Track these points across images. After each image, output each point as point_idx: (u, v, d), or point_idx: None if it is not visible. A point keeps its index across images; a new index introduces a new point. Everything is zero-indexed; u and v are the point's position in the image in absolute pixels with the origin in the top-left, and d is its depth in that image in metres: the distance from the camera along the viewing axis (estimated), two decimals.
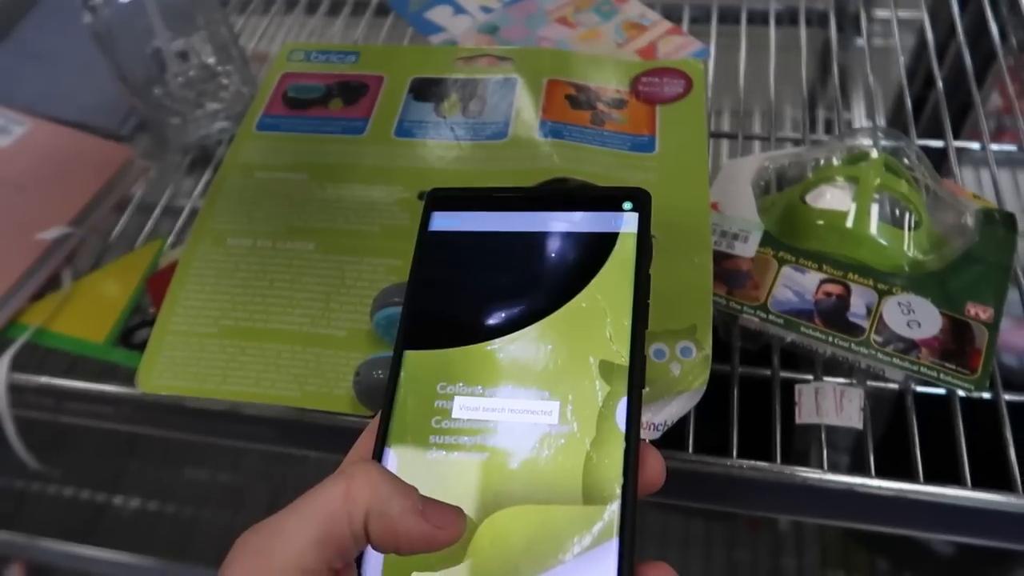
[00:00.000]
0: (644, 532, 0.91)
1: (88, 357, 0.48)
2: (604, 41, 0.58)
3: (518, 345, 0.27)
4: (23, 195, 0.53)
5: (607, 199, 0.29)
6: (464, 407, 0.26)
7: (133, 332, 0.47)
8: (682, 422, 0.40)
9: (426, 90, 0.46)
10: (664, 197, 0.40)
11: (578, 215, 0.29)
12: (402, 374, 0.27)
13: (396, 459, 0.26)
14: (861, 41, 0.79)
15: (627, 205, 0.29)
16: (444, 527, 0.24)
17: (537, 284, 0.28)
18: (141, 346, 0.46)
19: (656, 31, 0.60)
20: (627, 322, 0.27)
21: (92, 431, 0.97)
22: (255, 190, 0.42)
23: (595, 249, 0.28)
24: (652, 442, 0.37)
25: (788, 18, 0.66)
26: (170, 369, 0.36)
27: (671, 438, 0.40)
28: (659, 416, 0.34)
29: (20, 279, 0.49)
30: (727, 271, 0.42)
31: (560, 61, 0.47)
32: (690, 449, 0.40)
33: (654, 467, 0.26)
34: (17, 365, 0.47)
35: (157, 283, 0.48)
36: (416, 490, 0.23)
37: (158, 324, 0.38)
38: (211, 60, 0.55)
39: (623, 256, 0.28)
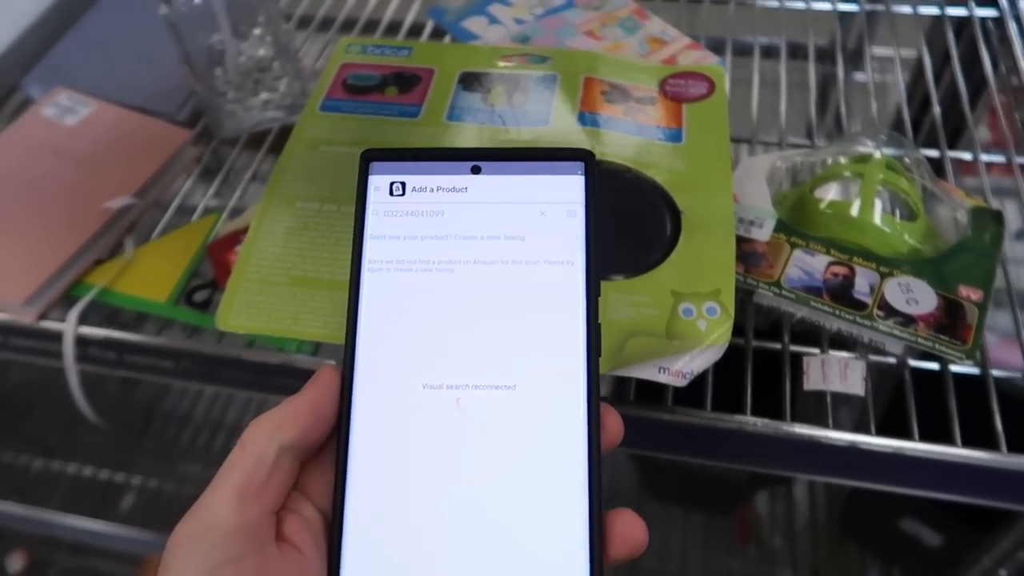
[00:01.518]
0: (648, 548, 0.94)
1: (149, 317, 0.52)
2: (628, 53, 0.63)
3: (474, 311, 0.28)
4: (88, 170, 0.57)
5: (553, 158, 0.30)
6: (426, 373, 0.28)
7: (194, 292, 0.51)
8: (701, 383, 0.45)
9: (473, 82, 0.51)
10: (691, 180, 0.45)
11: (524, 177, 0.30)
12: (359, 342, 0.28)
13: (358, 424, 0.28)
14: (862, 76, 0.85)
15: (573, 166, 0.29)
16: (320, 375, 0.28)
17: (486, 249, 0.29)
18: (202, 305, 0.50)
19: (676, 46, 0.65)
20: (581, 284, 0.28)
21: (109, 413, 1.00)
22: (320, 161, 0.46)
23: (543, 210, 0.29)
24: (677, 389, 0.41)
25: (790, 52, 0.71)
26: (246, 311, 0.40)
27: (690, 399, 0.44)
28: (687, 367, 0.38)
29: (86, 243, 0.53)
30: (744, 252, 0.47)
31: (595, 62, 0.52)
32: (708, 408, 0.44)
33: (613, 426, 0.28)
34: (82, 322, 0.50)
35: (217, 249, 0.52)
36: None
37: (234, 272, 0.41)
38: (268, 54, 0.60)
39: (572, 217, 0.29)
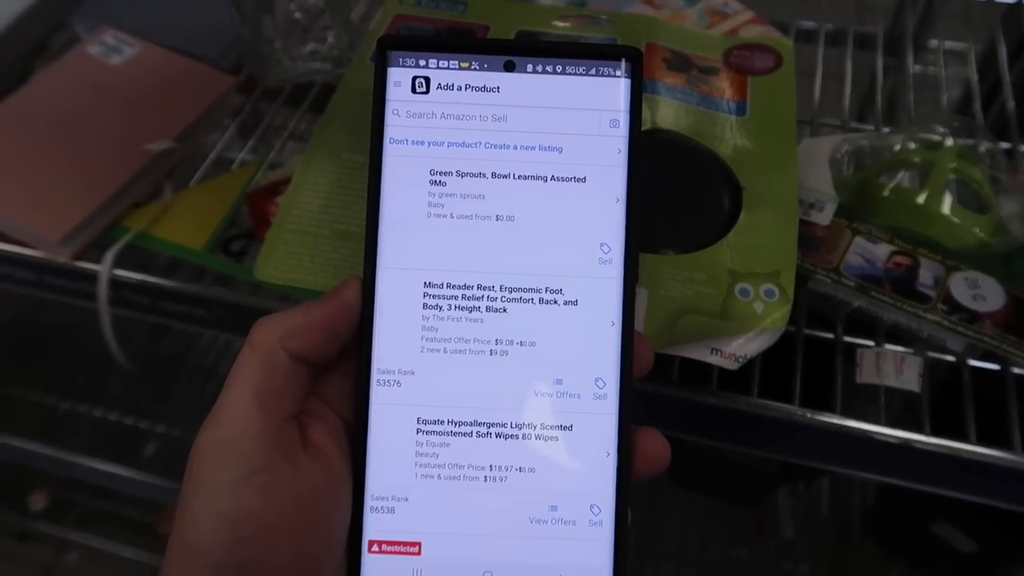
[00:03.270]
0: (664, 534, 0.93)
1: (180, 267, 0.51)
2: (687, 25, 0.61)
3: (505, 226, 0.27)
4: (130, 110, 0.56)
5: (596, 56, 0.27)
6: (452, 288, 0.27)
7: (231, 241, 0.50)
8: (748, 369, 0.43)
9: None
10: (754, 155, 0.43)
11: (563, 77, 0.27)
12: (381, 253, 0.27)
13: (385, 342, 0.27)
14: (919, 67, 0.81)
15: (617, 66, 0.27)
16: (343, 288, 0.26)
17: (520, 161, 0.27)
18: (238, 254, 0.49)
19: (738, 19, 0.62)
20: (622, 202, 0.27)
21: (137, 362, 1.00)
22: (369, 113, 0.44)
23: (583, 117, 0.27)
24: (722, 374, 0.40)
25: (832, 40, 0.68)
26: (285, 262, 0.39)
27: (736, 384, 0.42)
28: (741, 350, 0.37)
29: (125, 185, 0.52)
30: (802, 236, 0.45)
31: (656, 27, 0.50)
32: (755, 394, 0.42)
33: (644, 353, 0.27)
34: (117, 266, 0.49)
35: (256, 199, 0.51)
36: (307, 303, 0.26)
37: (275, 223, 0.40)
38: (318, 3, 0.58)
39: (615, 127, 0.27)
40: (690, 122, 0.44)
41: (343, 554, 0.26)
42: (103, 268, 0.49)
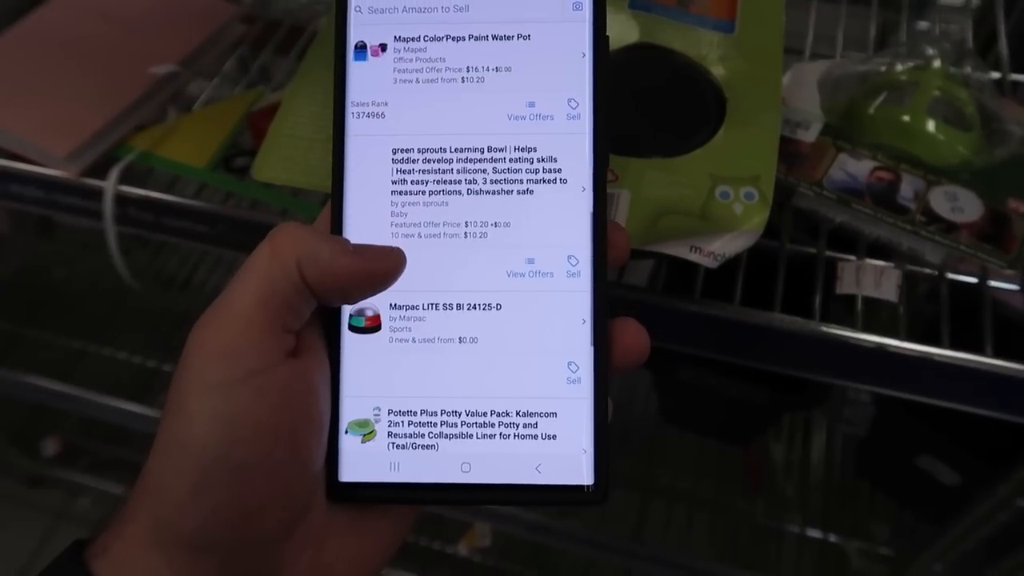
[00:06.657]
0: (655, 487, 0.95)
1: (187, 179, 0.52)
2: None
3: (474, 93, 0.27)
4: (136, 35, 0.58)
5: None
6: (422, 182, 0.27)
7: (233, 159, 0.51)
8: (731, 280, 0.44)
9: None
10: (739, 69, 0.44)
11: None
12: (349, 148, 0.28)
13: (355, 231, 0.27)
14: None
15: None
16: (380, 260, 0.25)
17: (489, 73, 0.27)
18: (240, 171, 0.50)
19: None
20: (588, 110, 0.27)
21: (148, 314, 1.01)
22: None
23: (547, 36, 0.27)
24: (705, 287, 0.41)
25: None
26: (281, 163, 0.40)
27: (720, 293, 0.43)
28: (720, 248, 0.38)
29: (130, 106, 0.53)
30: (788, 152, 0.46)
31: None
32: (737, 302, 0.43)
33: (621, 241, 0.27)
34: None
35: (258, 119, 0.52)
36: (345, 239, 0.25)
37: (273, 127, 0.42)
38: None
39: (578, 46, 0.27)
40: (679, 38, 0.45)
41: None
42: (108, 184, 0.50)
